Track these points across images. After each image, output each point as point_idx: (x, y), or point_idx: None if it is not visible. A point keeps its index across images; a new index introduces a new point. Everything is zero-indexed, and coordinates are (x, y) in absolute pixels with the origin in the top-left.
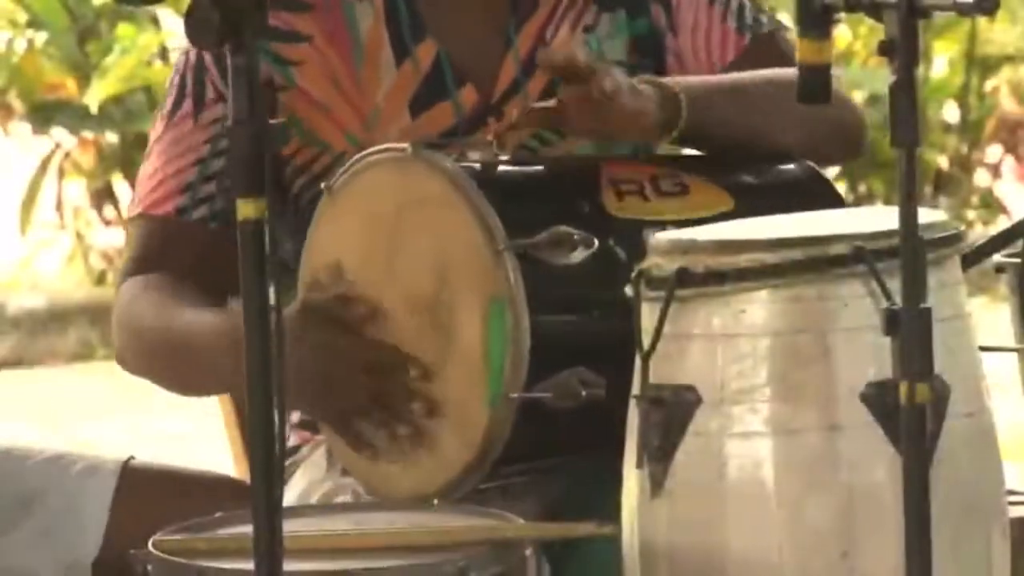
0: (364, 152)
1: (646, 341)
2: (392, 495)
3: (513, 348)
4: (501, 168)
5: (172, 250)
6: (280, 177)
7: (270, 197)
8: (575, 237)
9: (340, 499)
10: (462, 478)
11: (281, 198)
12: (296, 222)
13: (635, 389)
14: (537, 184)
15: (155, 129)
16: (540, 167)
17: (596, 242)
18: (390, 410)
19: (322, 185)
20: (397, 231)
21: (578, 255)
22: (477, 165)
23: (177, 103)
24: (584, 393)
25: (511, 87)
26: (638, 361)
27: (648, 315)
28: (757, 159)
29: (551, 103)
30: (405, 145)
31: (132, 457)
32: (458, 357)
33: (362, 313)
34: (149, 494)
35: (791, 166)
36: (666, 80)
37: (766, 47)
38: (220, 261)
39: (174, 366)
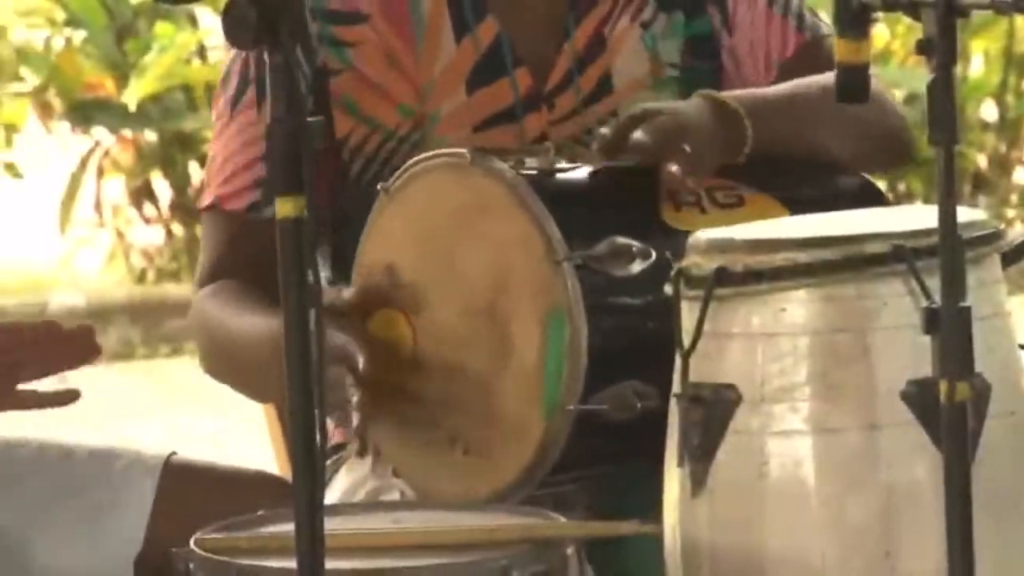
0: (422, 156)
1: (686, 340)
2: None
3: (570, 360)
4: (559, 176)
5: (243, 250)
6: (339, 163)
7: (309, 195)
8: (633, 249)
9: (386, 498)
10: (514, 487)
11: (342, 185)
12: (357, 207)
13: (675, 388)
14: (595, 193)
15: (219, 113)
16: (598, 176)
17: (654, 254)
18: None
19: (379, 186)
20: (454, 237)
21: (636, 267)
22: (534, 172)
23: (241, 90)
24: (640, 405)
25: (564, 79)
26: (678, 360)
27: (688, 314)
28: (811, 169)
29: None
30: (464, 150)
31: (174, 453)
32: (514, 367)
33: (351, 300)
34: (191, 490)
35: (844, 176)
36: (727, 99)
37: (824, 49)
38: None
39: (234, 374)
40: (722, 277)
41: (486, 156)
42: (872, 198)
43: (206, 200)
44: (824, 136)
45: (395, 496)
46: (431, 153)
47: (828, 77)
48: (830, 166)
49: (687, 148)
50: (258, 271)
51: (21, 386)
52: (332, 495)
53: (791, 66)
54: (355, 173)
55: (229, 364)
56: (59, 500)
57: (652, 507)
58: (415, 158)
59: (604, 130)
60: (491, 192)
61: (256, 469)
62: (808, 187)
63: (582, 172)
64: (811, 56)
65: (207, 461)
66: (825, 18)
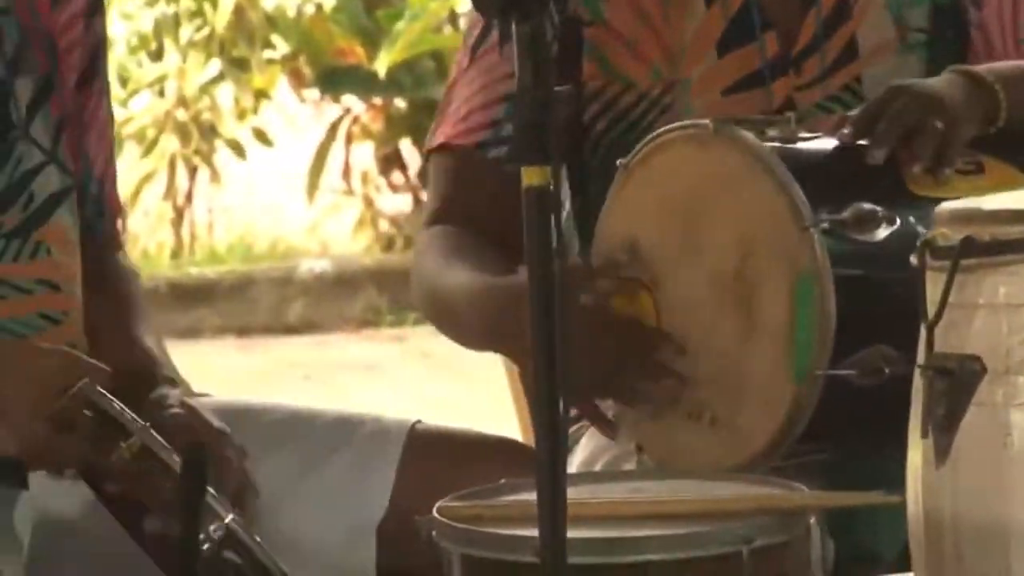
0: (661, 129)
1: (931, 311)
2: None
3: (820, 325)
4: (801, 145)
5: (468, 190)
6: (580, 119)
7: (556, 165)
8: (879, 214)
9: (626, 467)
10: (763, 455)
11: (581, 141)
12: (600, 166)
13: (920, 359)
14: (838, 162)
15: (459, 61)
16: (839, 143)
17: (898, 219)
18: (640, 386)
19: (618, 162)
20: (696, 207)
21: (882, 232)
22: (777, 141)
23: (483, 35)
24: (887, 371)
25: (811, 43)
26: (923, 331)
27: (933, 285)
28: None
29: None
30: (706, 121)
31: (419, 421)
32: (762, 333)
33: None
34: (435, 458)
35: None
36: (982, 72)
37: None
38: (508, 208)
39: (447, 323)
40: (968, 247)
41: (728, 126)
42: None
43: (435, 140)
44: None
45: (633, 465)
46: (670, 126)
47: None
48: None
49: (939, 124)
50: (483, 212)
51: None
52: (573, 464)
53: None
54: (598, 131)
55: (437, 311)
56: (307, 468)
57: (896, 477)
58: (653, 132)
59: (854, 112)
60: (735, 161)
61: (500, 436)
62: None
63: (825, 142)
64: None
65: (451, 428)
66: None
